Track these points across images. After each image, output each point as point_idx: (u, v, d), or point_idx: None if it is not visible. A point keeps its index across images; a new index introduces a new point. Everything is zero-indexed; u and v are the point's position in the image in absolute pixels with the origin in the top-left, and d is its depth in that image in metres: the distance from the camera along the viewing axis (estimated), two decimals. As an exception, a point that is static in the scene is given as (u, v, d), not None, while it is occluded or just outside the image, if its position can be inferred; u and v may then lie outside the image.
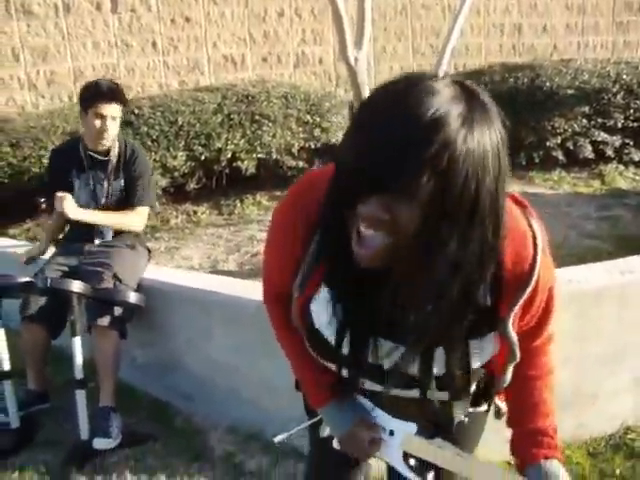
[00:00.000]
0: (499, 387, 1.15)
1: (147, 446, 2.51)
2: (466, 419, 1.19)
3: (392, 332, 1.02)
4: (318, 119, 4.68)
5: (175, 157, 4.25)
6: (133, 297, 2.58)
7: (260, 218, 4.29)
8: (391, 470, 1.32)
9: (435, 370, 1.03)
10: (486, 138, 0.82)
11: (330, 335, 1.06)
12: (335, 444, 1.26)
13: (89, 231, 2.82)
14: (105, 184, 2.82)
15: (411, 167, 0.78)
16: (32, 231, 4.05)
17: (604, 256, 3.07)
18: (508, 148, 0.86)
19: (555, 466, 1.08)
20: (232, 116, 4.45)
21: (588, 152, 5.19)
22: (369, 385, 1.14)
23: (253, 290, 2.33)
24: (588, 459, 2.33)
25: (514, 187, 4.34)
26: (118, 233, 2.86)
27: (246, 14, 6.07)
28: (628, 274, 2.36)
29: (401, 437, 1.16)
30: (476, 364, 1.05)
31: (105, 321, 2.54)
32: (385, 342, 1.04)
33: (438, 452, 1.11)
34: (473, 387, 1.12)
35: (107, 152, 2.81)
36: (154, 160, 4.14)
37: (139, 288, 2.70)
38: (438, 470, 1.16)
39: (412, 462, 1.17)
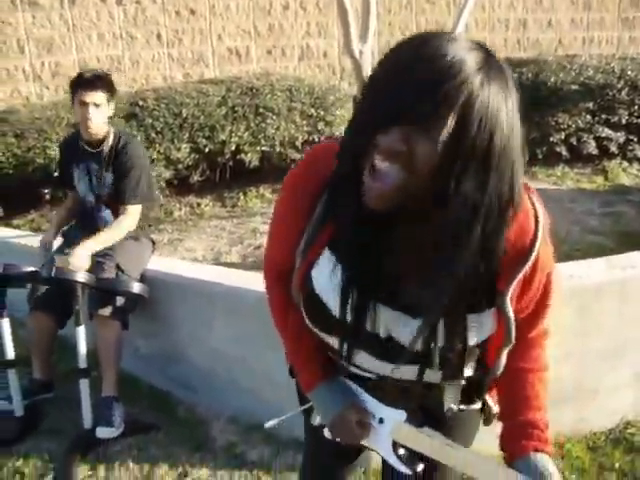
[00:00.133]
0: (493, 374, 1.13)
1: (149, 435, 2.53)
2: (456, 408, 1.18)
3: (393, 300, 1.04)
4: (322, 112, 4.67)
5: (179, 149, 4.26)
6: (136, 287, 2.59)
7: (263, 211, 4.30)
8: (385, 469, 1.32)
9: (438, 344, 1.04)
10: (500, 97, 0.87)
11: (329, 300, 1.07)
12: (326, 433, 1.25)
13: (94, 222, 2.83)
14: (100, 176, 2.81)
15: (431, 100, 0.83)
16: (36, 222, 4.08)
17: (607, 252, 3.07)
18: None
19: (545, 459, 1.04)
20: (236, 109, 4.45)
21: (592, 148, 5.18)
22: (366, 360, 1.13)
23: (255, 281, 2.33)
24: (588, 453, 2.35)
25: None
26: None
27: (251, 7, 6.07)
28: (629, 269, 2.36)
29: (391, 425, 1.16)
30: (473, 340, 1.05)
31: (107, 311, 2.55)
32: (384, 309, 1.05)
33: (427, 441, 1.10)
34: (467, 371, 1.11)
35: (100, 143, 2.80)
36: (158, 152, 4.17)
37: (142, 279, 2.71)
38: (428, 463, 1.15)
39: (401, 452, 1.16)
